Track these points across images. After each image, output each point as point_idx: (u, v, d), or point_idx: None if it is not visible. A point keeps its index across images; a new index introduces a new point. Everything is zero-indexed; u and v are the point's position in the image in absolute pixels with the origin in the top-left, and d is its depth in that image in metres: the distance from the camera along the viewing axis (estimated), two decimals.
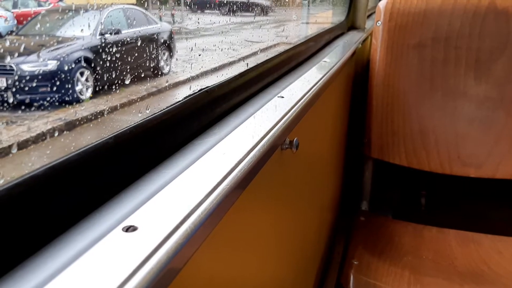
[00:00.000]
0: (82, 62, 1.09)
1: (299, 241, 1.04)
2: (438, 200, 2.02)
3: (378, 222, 1.54)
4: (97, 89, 1.11)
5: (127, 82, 0.76)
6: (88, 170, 0.39)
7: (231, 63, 1.32)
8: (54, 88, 1.02)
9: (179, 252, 0.33)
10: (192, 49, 0.98)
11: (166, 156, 0.48)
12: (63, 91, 1.05)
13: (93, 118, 1.02)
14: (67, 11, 1.03)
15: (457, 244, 1.40)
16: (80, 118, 1.04)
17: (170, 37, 1.40)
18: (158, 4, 1.44)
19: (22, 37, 0.95)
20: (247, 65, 0.78)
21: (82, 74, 1.11)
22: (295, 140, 0.69)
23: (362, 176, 1.72)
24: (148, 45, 1.18)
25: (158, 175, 0.44)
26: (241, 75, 0.73)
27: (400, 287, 1.19)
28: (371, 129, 1.61)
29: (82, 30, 1.01)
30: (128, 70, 0.78)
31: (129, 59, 0.82)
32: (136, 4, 1.30)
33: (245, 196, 0.50)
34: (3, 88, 0.89)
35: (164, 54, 1.33)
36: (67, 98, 1.06)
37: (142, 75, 0.92)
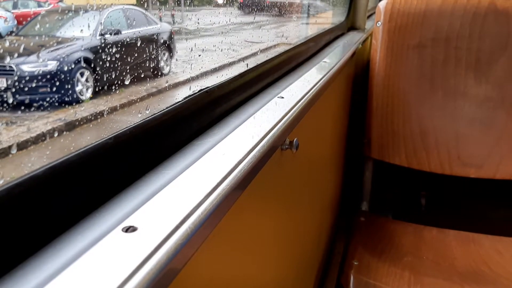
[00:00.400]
0: (82, 62, 1.09)
1: (299, 241, 1.04)
2: (438, 200, 2.01)
3: (378, 222, 1.54)
4: (97, 89, 1.11)
5: (127, 82, 0.76)
6: (88, 171, 0.39)
7: (231, 64, 1.32)
8: (54, 89, 1.02)
9: (179, 252, 0.33)
10: (192, 50, 0.98)
11: (166, 156, 0.48)
12: (63, 92, 1.05)
13: (93, 118, 1.02)
14: (67, 11, 1.03)
15: (457, 245, 1.40)
16: (80, 119, 1.04)
17: (170, 37, 1.40)
18: (158, 4, 1.44)
19: (22, 38, 0.95)
20: (247, 66, 0.78)
21: (82, 74, 1.11)
22: (295, 140, 0.69)
23: (362, 176, 1.72)
24: (148, 45, 1.18)
25: (158, 176, 0.44)
26: (241, 75, 0.73)
27: None
28: (371, 130, 1.61)
29: (82, 30, 1.01)
30: (128, 71, 0.78)
31: (129, 60, 0.82)
32: (136, 5, 1.30)
33: (245, 196, 0.50)
34: (3, 88, 0.89)
35: (164, 54, 1.33)
36: (67, 99, 1.06)
37: (142, 76, 0.92)
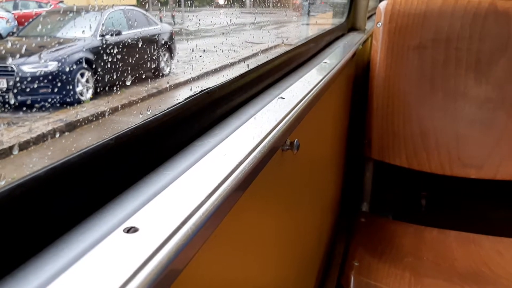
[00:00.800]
0: (83, 63, 1.09)
1: (299, 242, 1.04)
2: (438, 201, 2.01)
3: (379, 223, 1.54)
4: (97, 90, 1.11)
5: (127, 83, 0.76)
6: (89, 171, 0.39)
7: (231, 64, 1.32)
8: (55, 89, 1.02)
9: (180, 253, 0.33)
10: (192, 50, 0.99)
11: (167, 157, 0.48)
12: (63, 92, 1.05)
13: (93, 119, 1.02)
14: (68, 12, 1.04)
15: (457, 245, 1.40)
16: (80, 119, 1.04)
17: (171, 38, 1.40)
18: (159, 5, 1.45)
19: (23, 39, 0.95)
20: (248, 66, 0.78)
21: (82, 75, 1.11)
22: (295, 141, 0.69)
23: (362, 177, 1.72)
24: (149, 46, 1.18)
25: (159, 176, 0.44)
26: (241, 76, 0.73)
27: None
28: (372, 130, 1.61)
29: (83, 31, 1.01)
30: (129, 71, 0.78)
31: (130, 60, 0.82)
32: (136, 6, 1.30)
33: (246, 197, 0.50)
34: (4, 89, 0.89)
35: (164, 55, 1.34)
36: (67, 99, 1.07)
37: (143, 76, 0.92)
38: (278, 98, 0.75)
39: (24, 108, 0.85)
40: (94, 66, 1.09)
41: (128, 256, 0.31)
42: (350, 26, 1.78)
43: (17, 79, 0.92)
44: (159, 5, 1.44)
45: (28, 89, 0.92)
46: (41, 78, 0.98)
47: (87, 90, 1.12)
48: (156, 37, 1.30)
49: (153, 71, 1.21)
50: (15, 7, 1.14)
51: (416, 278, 1.22)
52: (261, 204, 0.67)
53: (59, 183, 0.36)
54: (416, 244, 1.40)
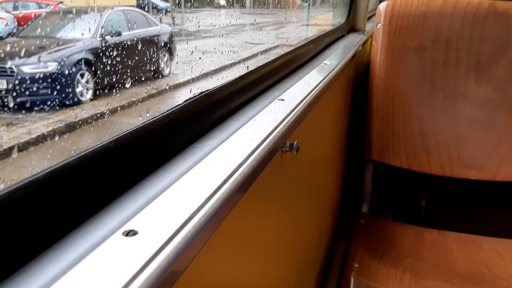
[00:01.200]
0: (83, 64, 1.09)
1: (299, 243, 1.03)
2: (438, 202, 2.01)
3: (379, 224, 1.54)
4: (97, 91, 1.11)
5: (127, 84, 0.76)
6: (88, 174, 0.39)
7: (231, 65, 1.32)
8: (55, 90, 1.02)
9: (180, 256, 0.33)
10: (192, 52, 0.99)
11: (166, 159, 0.48)
12: (63, 93, 1.05)
13: (93, 120, 1.02)
14: (67, 13, 1.04)
15: (457, 247, 1.40)
16: (80, 120, 1.04)
17: (171, 39, 1.40)
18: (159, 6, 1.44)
19: (23, 40, 0.95)
20: (248, 68, 0.78)
21: (82, 76, 1.11)
22: (295, 143, 0.69)
23: (362, 178, 1.72)
24: (149, 47, 1.18)
25: (158, 179, 0.44)
26: (241, 78, 0.73)
27: None
28: (372, 131, 1.61)
29: (82, 32, 1.01)
30: (129, 72, 0.78)
31: (130, 61, 0.82)
32: (136, 6, 1.30)
33: (246, 199, 0.50)
34: (3, 90, 0.89)
35: (164, 56, 1.33)
36: (67, 101, 1.06)
37: (143, 78, 0.92)
38: (278, 99, 0.75)
39: (24, 109, 0.85)
40: (94, 67, 1.09)
41: (127, 259, 0.31)
42: (350, 27, 1.78)
43: (17, 80, 0.91)
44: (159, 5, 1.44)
45: (28, 90, 0.92)
46: (41, 79, 0.98)
47: (87, 91, 1.12)
48: (156, 38, 1.30)
49: (153, 72, 1.21)
50: (15, 8, 1.14)
51: (416, 280, 1.22)
52: (261, 206, 0.67)
53: (58, 186, 0.36)
54: (416, 245, 1.40)
